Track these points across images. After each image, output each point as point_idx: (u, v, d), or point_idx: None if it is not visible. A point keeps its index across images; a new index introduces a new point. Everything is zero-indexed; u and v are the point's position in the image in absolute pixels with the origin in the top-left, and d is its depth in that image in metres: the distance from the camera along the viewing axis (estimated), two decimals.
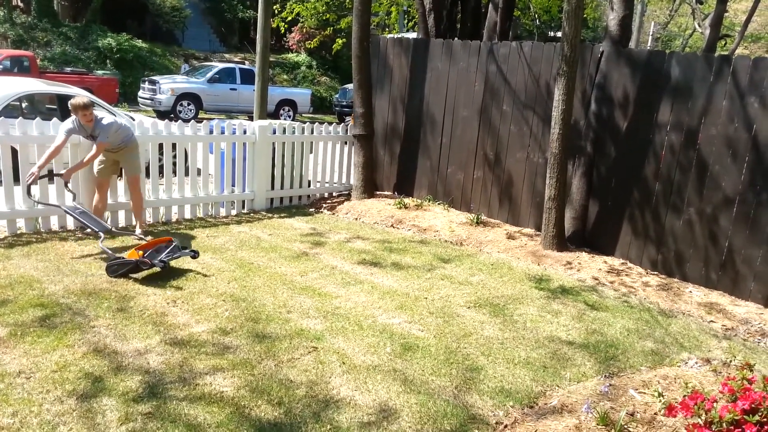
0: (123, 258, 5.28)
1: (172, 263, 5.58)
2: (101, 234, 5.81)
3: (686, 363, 4.48)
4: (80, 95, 6.47)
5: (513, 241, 7.17)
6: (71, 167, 6.17)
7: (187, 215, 7.44)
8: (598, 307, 5.49)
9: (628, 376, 4.22)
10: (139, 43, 23.27)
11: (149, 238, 6.15)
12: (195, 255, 5.62)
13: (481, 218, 7.79)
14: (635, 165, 6.63)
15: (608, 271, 6.42)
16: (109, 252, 5.58)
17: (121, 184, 6.97)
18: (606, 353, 4.57)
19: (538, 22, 14.72)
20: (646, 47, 30.46)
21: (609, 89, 6.78)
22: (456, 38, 9.25)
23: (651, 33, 33.51)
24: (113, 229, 6.32)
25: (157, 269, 5.29)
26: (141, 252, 5.31)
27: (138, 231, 6.47)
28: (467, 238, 7.32)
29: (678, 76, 6.26)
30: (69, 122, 6.02)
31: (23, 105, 8.97)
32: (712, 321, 5.43)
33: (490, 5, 9.48)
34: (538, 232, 7.32)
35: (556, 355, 4.46)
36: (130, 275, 5.33)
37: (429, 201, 8.48)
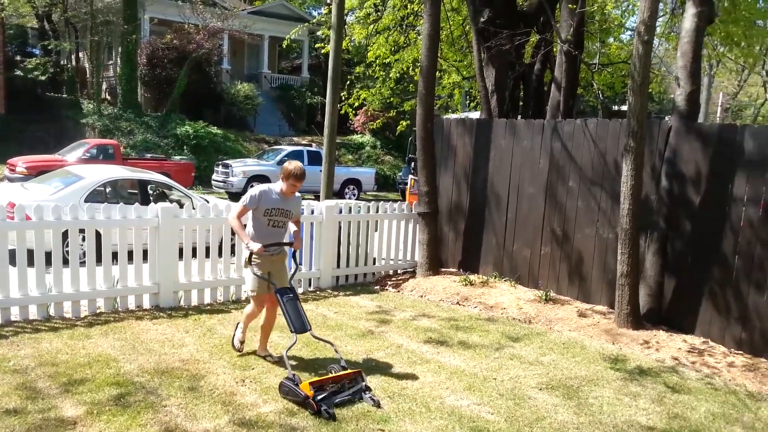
0: (296, 385, 4.53)
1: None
2: (295, 336, 4.95)
3: None
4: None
5: (585, 319, 6.93)
6: (297, 235, 5.55)
7: None
8: (679, 390, 5.18)
9: None
10: (214, 129, 24.57)
11: (343, 363, 5.00)
12: (377, 404, 4.58)
13: (550, 295, 7.60)
14: (712, 240, 6.38)
15: (689, 351, 6.08)
16: (289, 367, 4.71)
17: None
18: None
19: (601, 98, 14.76)
20: (715, 118, 29.88)
21: (679, 164, 6.65)
22: (519, 117, 9.36)
23: (720, 103, 32.91)
24: (313, 334, 5.13)
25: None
26: (313, 390, 4.47)
27: (340, 360, 5.07)
28: (536, 316, 7.13)
29: (752, 149, 6.10)
30: (256, 190, 5.20)
31: (107, 190, 9.55)
32: None
33: (553, 85, 9.60)
34: (611, 310, 7.06)
35: None
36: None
37: (495, 278, 8.36)
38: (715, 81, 28.54)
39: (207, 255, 7.17)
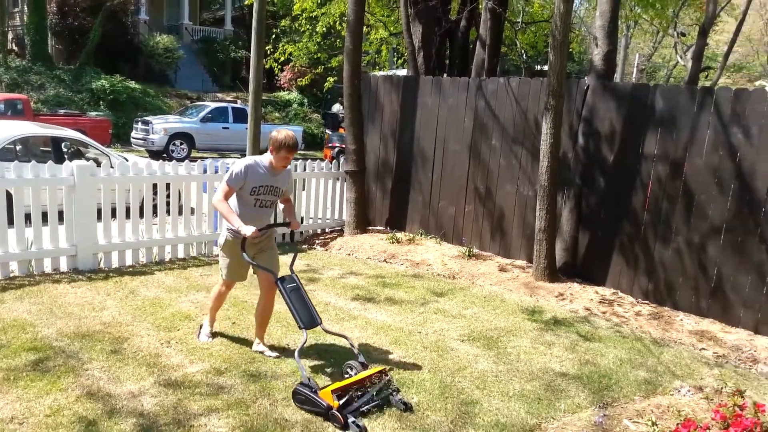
0: (314, 392, 3.85)
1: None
2: (305, 332, 4.28)
3: (679, 391, 4.50)
4: (285, 133, 4.49)
5: (505, 274, 7.21)
6: (291, 213, 4.98)
7: (181, 254, 7.46)
8: (590, 338, 5.52)
9: (622, 405, 4.24)
10: (132, 84, 23.49)
11: (362, 358, 4.34)
12: (409, 408, 3.98)
13: (473, 251, 7.84)
14: (623, 196, 6.72)
15: (600, 302, 6.46)
16: (303, 371, 4.06)
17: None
18: (599, 383, 4.59)
19: (525, 57, 15.05)
20: (631, 78, 31.02)
21: (595, 122, 6.92)
22: (445, 75, 9.42)
23: (636, 65, 34.12)
24: (324, 328, 4.48)
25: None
26: (337, 398, 3.80)
27: (358, 355, 4.37)
28: (460, 272, 7.35)
29: (662, 108, 6.40)
30: (241, 165, 4.51)
31: (18, 148, 9.04)
32: (703, 349, 5.46)
33: (478, 43, 9.70)
34: (530, 264, 7.37)
35: (550, 387, 4.48)
36: None
37: (421, 235, 8.53)
38: (631, 42, 29.52)
39: (127, 215, 6.96)
